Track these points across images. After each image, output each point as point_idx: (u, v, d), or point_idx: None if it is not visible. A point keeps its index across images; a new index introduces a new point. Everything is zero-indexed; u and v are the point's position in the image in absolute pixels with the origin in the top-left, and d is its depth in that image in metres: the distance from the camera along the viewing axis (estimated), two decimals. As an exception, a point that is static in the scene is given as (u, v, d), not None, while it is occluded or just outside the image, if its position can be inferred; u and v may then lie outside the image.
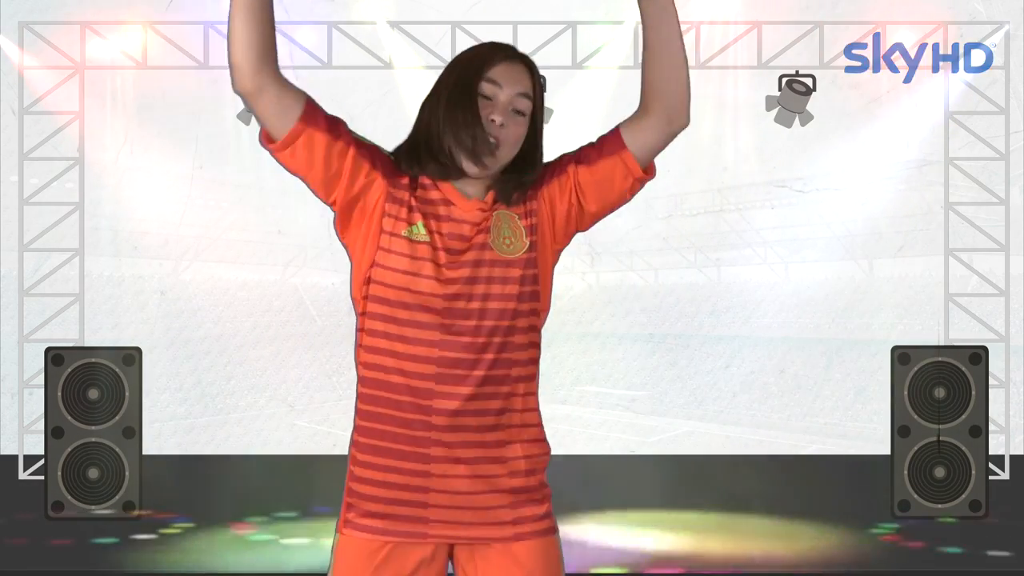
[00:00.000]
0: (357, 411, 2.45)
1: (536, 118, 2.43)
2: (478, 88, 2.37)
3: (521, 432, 2.43)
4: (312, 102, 2.37)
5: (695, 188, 11.03)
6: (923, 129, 8.58)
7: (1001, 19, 8.05)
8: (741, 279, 12.42)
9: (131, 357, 6.45)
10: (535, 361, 2.46)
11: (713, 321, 11.96)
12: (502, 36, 8.25)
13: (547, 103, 8.65)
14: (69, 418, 6.38)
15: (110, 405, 6.40)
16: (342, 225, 2.44)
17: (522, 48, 8.20)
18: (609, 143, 2.42)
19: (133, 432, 6.41)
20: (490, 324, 2.37)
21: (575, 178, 2.42)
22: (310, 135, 2.34)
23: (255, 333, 11.26)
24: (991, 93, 7.88)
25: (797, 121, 7.50)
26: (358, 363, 2.44)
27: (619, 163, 2.40)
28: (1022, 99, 9.07)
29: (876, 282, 11.15)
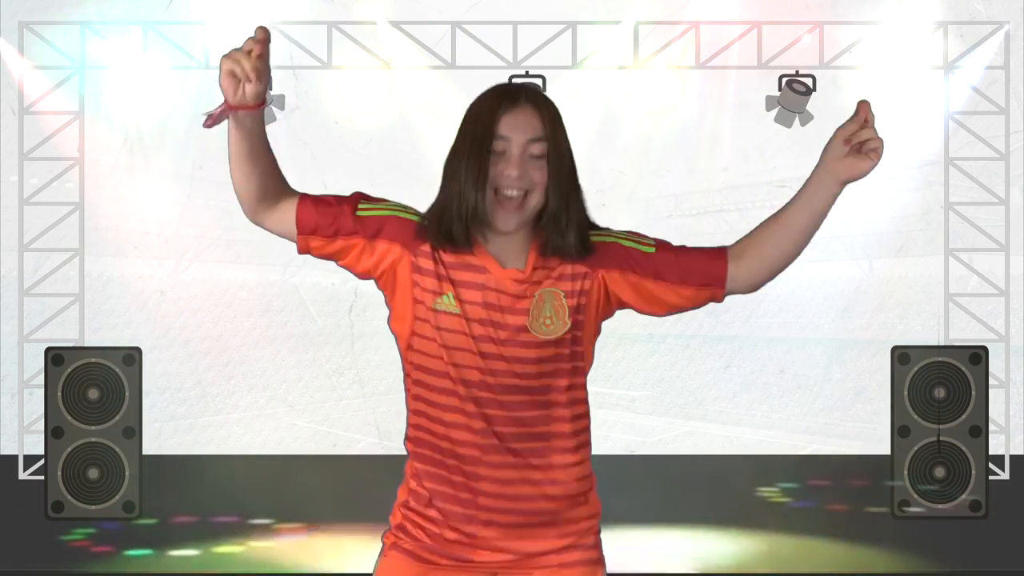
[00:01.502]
0: (412, 453, 2.46)
1: (559, 154, 2.35)
2: (491, 147, 2.32)
3: (570, 502, 2.44)
4: (304, 209, 2.39)
5: (695, 188, 11.03)
6: (923, 129, 8.58)
7: (1001, 19, 8.04)
8: (741, 279, 12.43)
9: (131, 357, 6.45)
10: (584, 430, 2.45)
11: (713, 321, 11.95)
12: (502, 36, 8.26)
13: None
14: (69, 418, 6.37)
15: (110, 405, 6.40)
16: (389, 291, 2.45)
17: (522, 48, 8.21)
18: (713, 273, 2.41)
19: (133, 432, 6.40)
20: (527, 399, 2.37)
21: (652, 291, 2.40)
22: (318, 243, 2.41)
23: (255, 333, 11.25)
24: (991, 93, 7.87)
25: (797, 121, 7.50)
26: (409, 411, 2.46)
27: (708, 296, 2.43)
28: (1022, 99, 9.07)
29: (876, 282, 11.14)
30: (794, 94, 7.41)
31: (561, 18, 7.76)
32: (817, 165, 2.39)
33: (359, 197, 2.43)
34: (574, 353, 2.40)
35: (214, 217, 10.82)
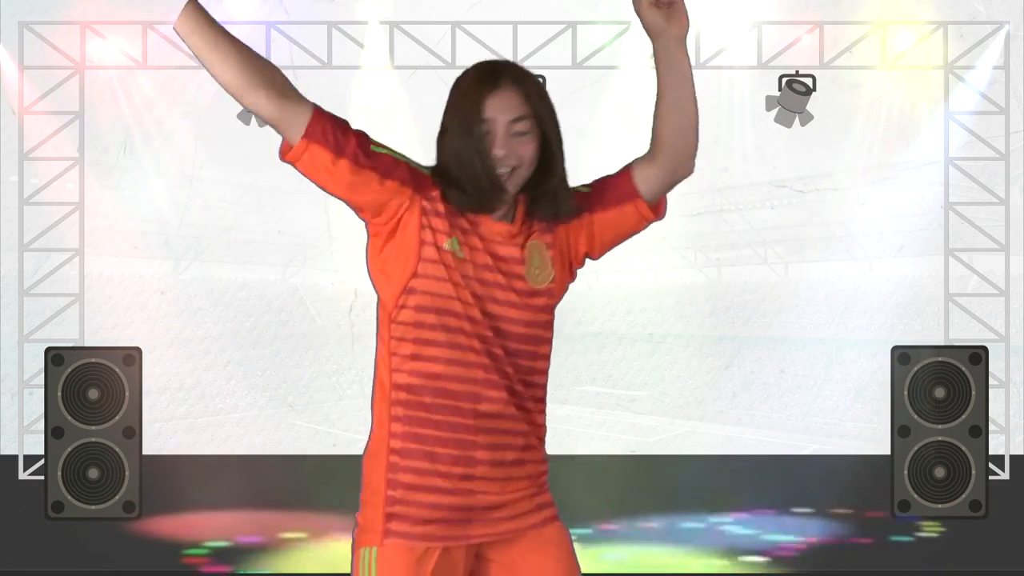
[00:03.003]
0: (392, 418, 2.49)
1: (544, 126, 2.48)
2: (478, 129, 2.43)
3: (538, 441, 2.58)
4: (320, 115, 2.40)
5: (695, 188, 11.02)
6: (923, 129, 8.58)
7: (1001, 19, 8.05)
8: (741, 279, 12.42)
9: (131, 357, 6.44)
10: (547, 374, 2.60)
11: (713, 321, 11.96)
12: (502, 36, 8.24)
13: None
14: (69, 418, 6.37)
15: (110, 405, 6.39)
16: (377, 242, 2.49)
17: (522, 48, 8.17)
18: (622, 188, 2.53)
19: (133, 432, 6.40)
20: (524, 347, 2.50)
21: (593, 226, 2.55)
22: (318, 154, 2.40)
23: (255, 333, 11.25)
24: (991, 93, 7.87)
25: (797, 121, 7.50)
26: (392, 370, 2.49)
27: (632, 210, 2.54)
28: (1022, 99, 9.07)
29: (876, 282, 11.15)
30: (794, 94, 7.41)
31: (561, 18, 7.77)
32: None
33: (365, 136, 2.48)
34: (550, 306, 2.55)
35: (214, 217, 10.83)
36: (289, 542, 6.54)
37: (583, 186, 2.57)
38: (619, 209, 2.53)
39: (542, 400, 2.57)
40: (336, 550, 6.08)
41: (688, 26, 2.42)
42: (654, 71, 2.53)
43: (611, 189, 2.54)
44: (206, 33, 2.35)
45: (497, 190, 2.44)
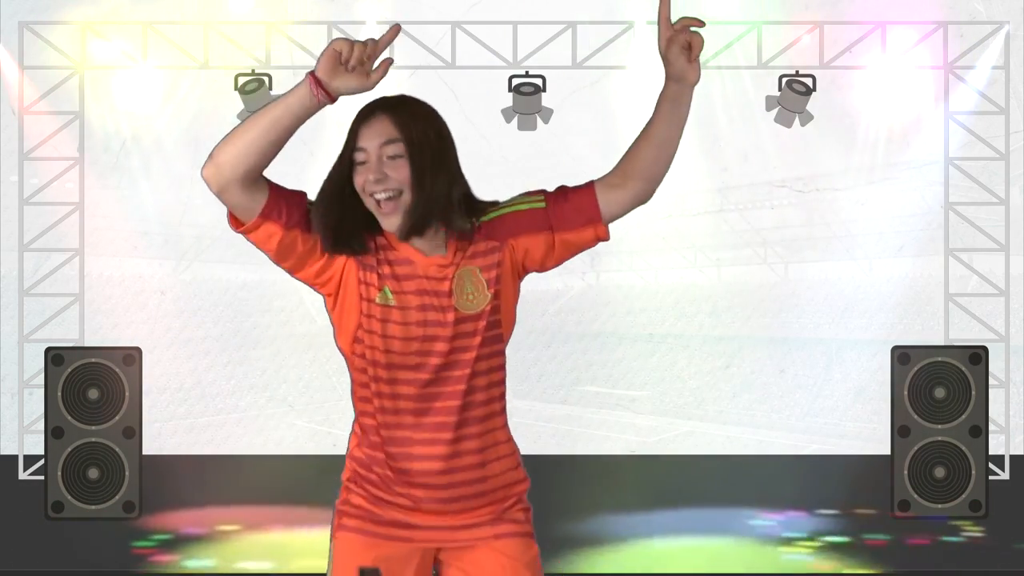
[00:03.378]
0: (356, 444, 2.63)
1: (416, 148, 2.48)
2: (354, 159, 2.50)
3: (497, 464, 2.60)
4: (274, 196, 2.48)
5: (695, 188, 11.03)
6: (923, 129, 8.58)
7: (1001, 19, 8.05)
8: (741, 279, 12.43)
9: (131, 357, 6.44)
10: (503, 395, 2.62)
11: (713, 321, 11.96)
12: (502, 36, 8.22)
13: (547, 103, 8.48)
14: (69, 418, 6.37)
15: (110, 405, 6.39)
16: (329, 300, 2.59)
17: (522, 48, 8.16)
18: (588, 211, 2.56)
19: (133, 432, 6.40)
20: (459, 374, 2.53)
21: (555, 246, 2.57)
22: (269, 229, 2.50)
23: (255, 333, 11.26)
24: (991, 93, 7.87)
25: (797, 121, 7.49)
26: (358, 411, 2.62)
27: (592, 233, 2.57)
28: (1022, 99, 9.07)
29: (876, 282, 11.15)
30: (794, 94, 7.41)
31: (561, 18, 7.77)
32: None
33: (305, 196, 2.55)
34: (492, 323, 2.55)
35: (214, 217, 10.82)
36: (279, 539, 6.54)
37: (535, 200, 2.58)
38: (582, 231, 2.56)
39: (496, 418, 2.59)
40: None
41: (688, 73, 2.47)
42: (655, 106, 2.55)
43: (576, 209, 2.56)
44: (291, 128, 2.38)
45: (378, 214, 2.48)
